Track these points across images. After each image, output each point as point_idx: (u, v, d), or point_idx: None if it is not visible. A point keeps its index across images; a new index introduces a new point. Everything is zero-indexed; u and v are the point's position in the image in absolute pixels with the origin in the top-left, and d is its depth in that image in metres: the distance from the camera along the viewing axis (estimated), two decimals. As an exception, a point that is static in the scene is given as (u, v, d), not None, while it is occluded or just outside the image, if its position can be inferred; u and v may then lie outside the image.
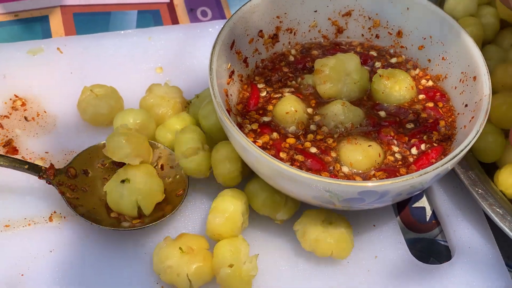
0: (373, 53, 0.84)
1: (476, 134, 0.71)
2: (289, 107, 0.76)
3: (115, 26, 0.94)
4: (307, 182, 0.68)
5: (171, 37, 0.92)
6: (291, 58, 0.83)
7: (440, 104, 0.79)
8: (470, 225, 0.80)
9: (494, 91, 0.84)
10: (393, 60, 0.84)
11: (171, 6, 0.97)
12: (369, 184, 0.67)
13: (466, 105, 0.77)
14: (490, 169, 0.83)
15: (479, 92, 0.75)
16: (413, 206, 0.83)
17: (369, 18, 0.84)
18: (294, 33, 0.84)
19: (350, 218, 0.78)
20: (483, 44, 0.91)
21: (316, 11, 0.83)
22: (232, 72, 0.78)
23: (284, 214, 0.77)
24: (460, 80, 0.78)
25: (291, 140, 0.75)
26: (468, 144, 0.70)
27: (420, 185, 0.70)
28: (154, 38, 0.91)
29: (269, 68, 0.82)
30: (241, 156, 0.74)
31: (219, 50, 0.75)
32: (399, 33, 0.83)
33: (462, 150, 0.70)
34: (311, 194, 0.70)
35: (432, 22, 0.80)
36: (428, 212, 0.83)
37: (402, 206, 0.83)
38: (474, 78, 0.76)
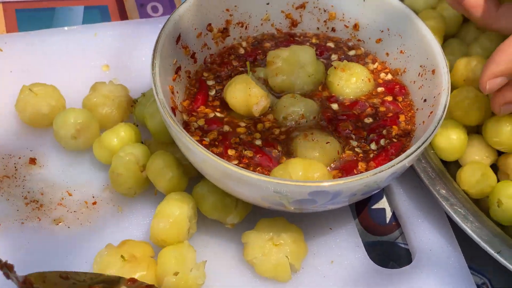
0: (331, 44, 0.80)
1: (434, 130, 0.67)
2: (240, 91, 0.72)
3: (59, 22, 0.89)
4: (254, 183, 0.64)
5: (118, 34, 0.87)
6: (241, 51, 0.79)
7: (400, 98, 0.75)
8: (431, 226, 0.76)
9: (456, 86, 0.80)
10: (351, 52, 0.80)
11: (120, 1, 0.92)
12: (320, 184, 0.63)
13: (425, 100, 0.73)
14: (452, 167, 0.79)
15: (438, 86, 0.71)
16: (372, 207, 0.79)
17: (324, 11, 0.80)
18: (246, 26, 0.79)
19: (306, 220, 0.74)
20: (445, 38, 0.87)
21: (268, 4, 0.79)
22: (179, 68, 0.74)
23: (234, 218, 0.72)
24: (419, 74, 0.74)
25: (241, 130, 0.71)
26: (426, 141, 0.66)
27: (375, 185, 0.66)
28: (101, 34, 0.87)
29: (218, 63, 0.77)
30: (187, 158, 0.69)
31: (163, 45, 0.71)
32: (356, 26, 0.79)
33: (419, 147, 0.66)
34: (260, 195, 0.66)
35: (389, 14, 0.77)
36: (388, 214, 0.79)
37: (361, 208, 0.79)
38: (433, 71, 0.72)
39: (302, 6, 0.80)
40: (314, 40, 0.80)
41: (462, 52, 0.85)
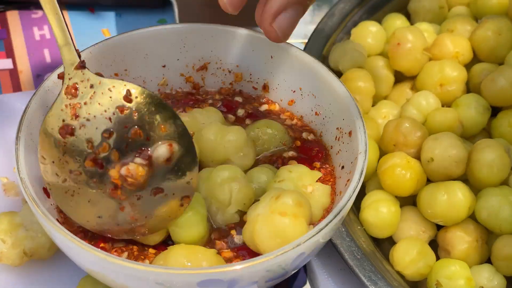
0: (238, 99, 0.70)
1: (348, 200, 0.57)
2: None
3: None
4: (131, 273, 0.53)
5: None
6: None
7: (317, 165, 0.65)
8: (361, 316, 0.65)
9: (386, 152, 0.70)
10: (264, 107, 0.70)
11: (14, 73, 0.82)
12: (208, 271, 0.52)
13: (342, 167, 0.63)
14: (386, 245, 0.69)
15: (355, 150, 0.61)
16: (293, 295, 0.68)
17: (229, 71, 0.70)
18: (139, 93, 0.69)
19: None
20: (376, 100, 0.78)
21: (164, 66, 0.69)
22: None
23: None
24: (336, 137, 0.65)
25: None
26: (338, 214, 0.56)
27: (280, 269, 0.55)
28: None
29: None
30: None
31: (32, 118, 0.61)
32: (265, 87, 0.70)
33: (329, 222, 0.55)
34: (141, 288, 0.55)
35: (300, 71, 0.67)
36: (312, 303, 0.67)
37: (280, 295, 0.67)
38: (350, 133, 0.62)
39: (204, 68, 0.70)
40: (217, 96, 0.70)
41: (395, 115, 0.76)
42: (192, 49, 0.69)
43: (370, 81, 0.75)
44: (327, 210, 0.61)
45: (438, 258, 0.67)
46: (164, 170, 0.59)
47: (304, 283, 0.68)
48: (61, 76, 0.59)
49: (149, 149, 0.59)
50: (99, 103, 0.59)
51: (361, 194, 0.70)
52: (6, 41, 0.86)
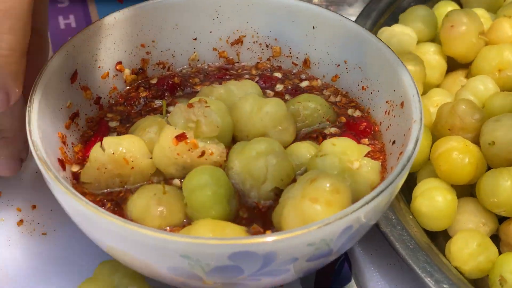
0: (277, 74, 0.64)
1: (401, 172, 0.50)
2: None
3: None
4: (153, 244, 0.46)
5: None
6: (154, 81, 0.62)
7: (366, 142, 0.58)
8: (414, 313, 0.57)
9: (441, 136, 0.63)
10: (304, 84, 0.63)
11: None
12: (242, 241, 0.45)
13: (393, 142, 0.56)
14: (440, 241, 0.61)
15: (408, 120, 0.54)
16: (337, 293, 0.60)
17: (267, 46, 0.64)
18: (168, 68, 0.63)
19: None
20: (428, 88, 0.71)
21: (195, 39, 0.64)
22: (75, 114, 0.58)
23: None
24: (386, 111, 0.58)
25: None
26: (389, 186, 0.49)
27: (324, 245, 0.48)
28: None
29: (121, 102, 0.61)
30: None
31: (49, 80, 0.55)
32: (306, 62, 0.63)
33: (379, 193, 0.48)
34: (165, 264, 0.48)
35: (345, 42, 0.61)
36: (358, 301, 0.60)
37: (322, 293, 0.60)
38: (402, 104, 0.56)
39: (239, 42, 0.64)
40: (254, 71, 0.64)
41: (447, 102, 0.69)
42: (226, 21, 0.63)
43: (420, 65, 0.69)
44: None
45: (500, 253, 0.59)
46: None
47: (349, 280, 0.61)
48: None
49: None
50: None
51: (412, 184, 0.63)
52: (30, 30, 0.81)
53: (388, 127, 0.57)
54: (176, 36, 0.63)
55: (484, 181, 0.60)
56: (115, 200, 0.54)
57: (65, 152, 0.55)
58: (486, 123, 0.62)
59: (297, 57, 0.64)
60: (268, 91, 0.62)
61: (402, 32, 0.72)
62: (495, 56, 0.69)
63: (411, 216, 0.61)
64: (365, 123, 0.59)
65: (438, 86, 0.72)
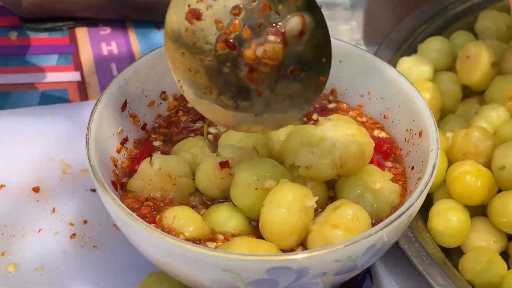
0: None
1: (420, 196, 0.55)
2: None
3: (13, 106, 0.80)
4: (198, 258, 0.52)
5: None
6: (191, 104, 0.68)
7: (389, 164, 0.64)
8: (430, 323, 0.63)
9: (455, 161, 0.69)
10: (332, 105, 0.69)
11: (81, 85, 0.84)
12: (278, 258, 0.51)
13: (412, 168, 0.62)
14: (455, 257, 0.67)
15: (426, 149, 0.60)
16: (360, 304, 0.66)
17: None
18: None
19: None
20: (444, 114, 0.76)
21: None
22: (125, 139, 0.64)
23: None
24: (405, 139, 0.64)
25: None
26: (409, 208, 0.55)
27: (350, 261, 0.54)
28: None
29: (164, 126, 0.67)
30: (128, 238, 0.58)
31: (104, 110, 0.61)
32: (333, 92, 0.69)
33: (401, 214, 0.54)
34: (208, 277, 0.54)
35: (368, 75, 0.66)
36: (378, 311, 0.65)
37: (346, 304, 0.65)
38: (420, 133, 0.61)
39: None
40: None
41: (462, 128, 0.74)
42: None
43: (437, 93, 0.74)
44: (396, 209, 0.59)
45: (509, 268, 0.65)
46: (299, 47, 0.56)
47: (370, 291, 0.67)
48: None
49: (280, 23, 0.56)
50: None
51: (429, 204, 0.68)
52: (74, 55, 0.87)
53: (408, 153, 0.63)
54: None
55: (494, 203, 0.65)
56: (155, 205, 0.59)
57: (116, 173, 0.61)
58: (497, 148, 0.67)
59: (325, 88, 0.69)
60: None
61: (421, 62, 0.77)
62: (507, 86, 0.74)
63: (428, 234, 0.66)
64: (388, 144, 0.64)
65: (453, 112, 0.78)
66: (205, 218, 0.58)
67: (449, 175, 0.67)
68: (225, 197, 0.60)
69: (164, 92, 0.67)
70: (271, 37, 0.55)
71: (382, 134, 0.66)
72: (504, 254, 0.66)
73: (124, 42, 0.89)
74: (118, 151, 0.63)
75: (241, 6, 0.56)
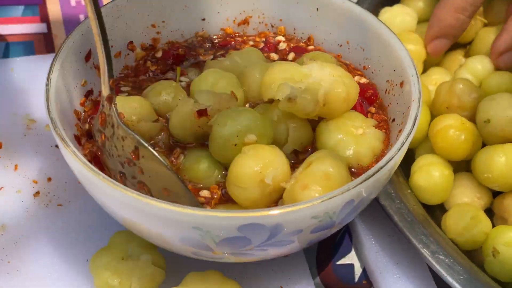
0: (281, 38, 0.66)
1: (400, 149, 0.52)
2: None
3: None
4: (166, 216, 0.49)
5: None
6: (159, 54, 0.65)
7: (373, 110, 0.60)
8: (411, 283, 0.60)
9: (438, 114, 0.66)
10: (310, 47, 0.66)
11: (48, 37, 0.79)
12: (250, 214, 0.48)
13: (393, 120, 0.59)
14: (437, 214, 0.64)
15: (407, 100, 0.56)
16: (338, 263, 0.63)
17: (272, 26, 0.67)
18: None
19: (249, 275, 0.59)
20: (427, 66, 0.73)
21: (204, 20, 0.66)
22: (90, 91, 0.60)
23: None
24: (386, 90, 0.60)
25: None
26: (389, 161, 0.51)
27: (327, 217, 0.51)
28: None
29: (132, 75, 0.64)
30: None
31: (65, 60, 0.58)
32: (310, 40, 0.66)
33: (380, 168, 0.51)
34: (178, 234, 0.51)
35: (348, 23, 0.63)
36: (358, 270, 0.63)
37: (324, 263, 0.63)
38: (401, 83, 0.58)
39: (245, 22, 0.66)
40: (258, 39, 0.66)
41: (446, 81, 0.71)
42: (233, 2, 0.65)
43: (420, 44, 0.71)
44: (377, 159, 0.56)
45: (493, 226, 0.62)
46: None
47: (350, 250, 0.64)
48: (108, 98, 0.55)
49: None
50: (115, 145, 0.55)
51: (411, 160, 0.65)
52: (41, 7, 0.83)
53: (388, 104, 0.60)
54: (185, 17, 0.65)
55: (479, 157, 0.63)
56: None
57: (80, 127, 0.58)
58: (482, 101, 0.64)
59: (301, 37, 0.66)
60: (272, 55, 0.64)
61: (404, 12, 0.74)
62: (493, 38, 0.71)
63: (409, 191, 0.64)
64: (372, 90, 0.61)
65: (437, 64, 0.74)
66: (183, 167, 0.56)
67: (432, 129, 0.64)
68: (199, 143, 0.57)
69: (131, 42, 0.64)
70: None
71: (363, 80, 0.63)
72: (488, 211, 0.63)
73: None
74: (82, 104, 0.59)
75: (124, 173, 0.55)
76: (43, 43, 0.79)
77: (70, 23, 0.81)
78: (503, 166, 0.61)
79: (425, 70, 0.73)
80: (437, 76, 0.72)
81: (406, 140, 0.53)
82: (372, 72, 0.62)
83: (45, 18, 0.82)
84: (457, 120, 0.64)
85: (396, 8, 0.75)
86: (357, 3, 0.75)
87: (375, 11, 0.75)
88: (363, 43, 0.63)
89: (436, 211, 0.64)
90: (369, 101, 0.61)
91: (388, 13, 0.74)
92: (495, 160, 0.61)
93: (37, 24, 0.81)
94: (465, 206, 0.62)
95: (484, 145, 0.64)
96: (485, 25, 0.74)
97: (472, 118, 0.65)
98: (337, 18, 0.63)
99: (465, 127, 0.63)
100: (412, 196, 0.63)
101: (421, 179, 0.63)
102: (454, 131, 0.63)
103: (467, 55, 0.74)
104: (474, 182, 0.64)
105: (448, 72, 0.72)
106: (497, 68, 0.69)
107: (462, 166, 0.66)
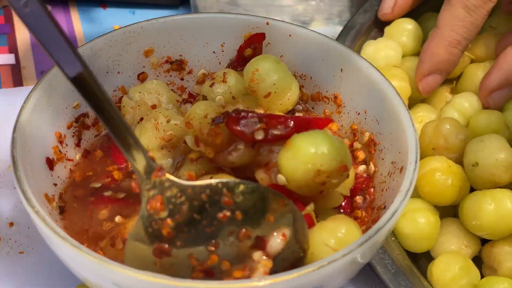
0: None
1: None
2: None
3: None
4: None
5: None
6: None
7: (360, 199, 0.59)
8: None
9: (424, 156, 0.63)
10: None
11: (15, 68, 0.76)
12: (229, 284, 0.45)
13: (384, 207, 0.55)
14: (422, 262, 0.62)
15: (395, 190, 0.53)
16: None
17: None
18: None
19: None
20: (413, 103, 0.70)
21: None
22: (82, 115, 0.60)
23: None
24: (389, 173, 0.57)
25: None
26: (378, 232, 0.48)
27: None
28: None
29: None
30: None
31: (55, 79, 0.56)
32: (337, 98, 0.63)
33: (370, 237, 0.48)
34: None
35: (369, 90, 0.59)
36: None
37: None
38: (401, 169, 0.54)
39: None
40: None
41: (432, 118, 0.68)
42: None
43: (405, 81, 0.68)
44: None
45: (482, 276, 0.59)
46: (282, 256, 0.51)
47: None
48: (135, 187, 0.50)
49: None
50: (195, 214, 0.50)
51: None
52: (9, 36, 0.80)
53: (386, 189, 0.56)
54: (205, 54, 0.63)
55: (467, 203, 0.60)
56: None
57: (60, 152, 0.56)
58: (470, 143, 0.62)
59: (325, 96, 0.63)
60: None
61: (388, 47, 0.71)
62: (481, 74, 0.68)
63: (393, 238, 0.61)
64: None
65: (422, 101, 0.72)
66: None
67: (418, 172, 0.61)
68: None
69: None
70: (260, 265, 0.49)
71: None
72: (477, 260, 0.61)
73: (65, 21, 0.82)
74: (69, 127, 0.58)
75: (217, 239, 0.50)
76: (10, 75, 0.76)
77: (40, 54, 0.78)
78: (492, 213, 0.58)
79: (410, 106, 0.70)
80: (422, 113, 0.69)
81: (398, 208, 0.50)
82: (381, 150, 0.58)
83: (13, 48, 0.79)
84: (443, 163, 0.61)
85: (381, 41, 0.72)
86: (340, 35, 0.73)
87: (357, 44, 0.72)
88: (379, 116, 0.59)
89: (422, 258, 0.62)
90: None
91: (372, 46, 0.72)
92: (483, 207, 0.59)
93: (5, 55, 0.78)
94: (453, 255, 0.59)
95: (472, 189, 0.62)
96: (472, 60, 0.71)
97: (460, 161, 0.63)
98: (360, 83, 0.60)
99: (452, 171, 0.61)
100: (396, 244, 0.60)
101: (406, 226, 0.60)
102: (440, 174, 0.61)
103: (453, 91, 0.72)
104: (461, 229, 0.62)
105: (434, 109, 0.70)
106: (485, 107, 0.66)
107: (449, 212, 0.63)
